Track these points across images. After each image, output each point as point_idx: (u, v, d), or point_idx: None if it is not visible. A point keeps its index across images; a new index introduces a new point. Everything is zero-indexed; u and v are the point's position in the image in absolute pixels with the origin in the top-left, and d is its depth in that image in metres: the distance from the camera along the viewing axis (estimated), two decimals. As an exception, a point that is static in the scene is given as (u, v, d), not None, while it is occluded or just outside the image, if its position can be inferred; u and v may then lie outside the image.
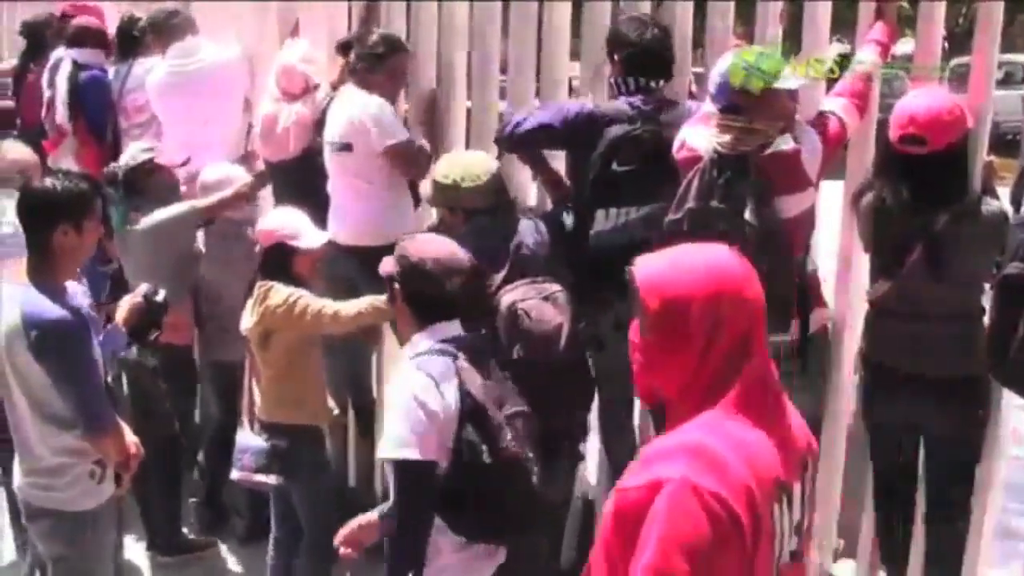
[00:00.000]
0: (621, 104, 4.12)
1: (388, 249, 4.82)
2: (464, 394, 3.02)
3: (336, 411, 4.94)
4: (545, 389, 3.62)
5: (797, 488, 2.09)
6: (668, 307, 2.01)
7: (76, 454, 3.54)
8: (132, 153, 5.07)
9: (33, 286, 3.44)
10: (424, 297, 3.20)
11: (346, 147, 4.85)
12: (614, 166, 4.02)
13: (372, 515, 3.28)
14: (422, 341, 3.15)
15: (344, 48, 5.13)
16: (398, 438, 2.95)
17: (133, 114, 5.94)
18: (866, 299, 3.88)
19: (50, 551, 3.68)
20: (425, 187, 4.35)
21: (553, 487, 4.07)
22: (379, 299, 4.13)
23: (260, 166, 5.48)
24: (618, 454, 4.53)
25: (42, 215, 3.49)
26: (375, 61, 4.89)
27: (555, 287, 3.80)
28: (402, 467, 2.97)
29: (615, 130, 4.04)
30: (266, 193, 5.50)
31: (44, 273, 3.48)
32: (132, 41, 6.22)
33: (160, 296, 3.93)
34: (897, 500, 3.95)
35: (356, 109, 4.84)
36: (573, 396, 3.91)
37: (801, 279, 3.78)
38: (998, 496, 3.96)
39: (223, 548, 5.36)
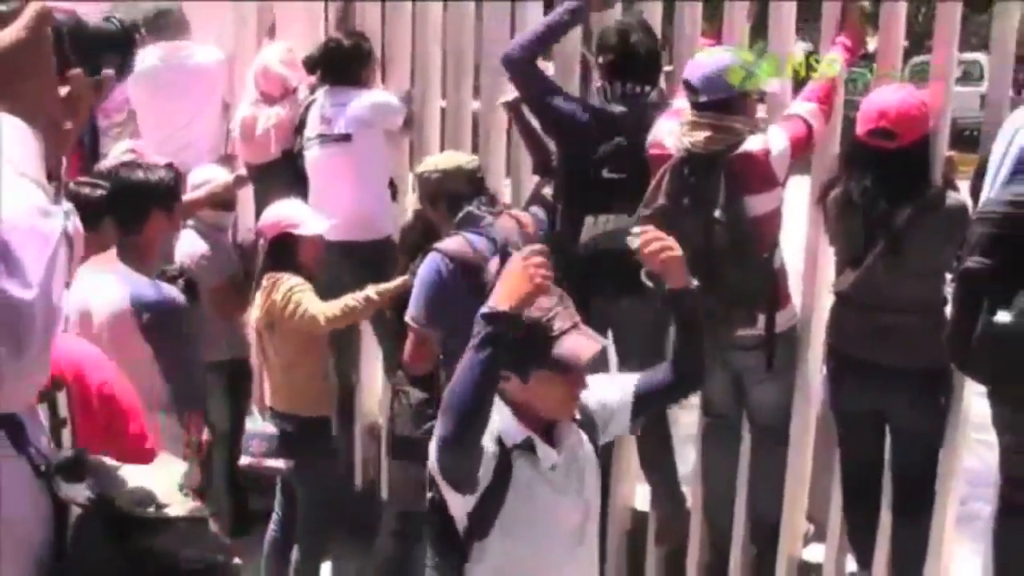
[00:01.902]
0: (612, 111, 4.14)
1: (376, 243, 4.96)
2: None
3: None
4: None
5: None
6: None
7: (176, 439, 3.63)
8: (115, 153, 5.12)
9: (133, 271, 3.56)
10: None
11: (344, 137, 4.94)
12: (605, 173, 4.06)
13: None
14: None
15: (313, 65, 5.20)
16: None
17: (112, 113, 5.96)
18: (832, 291, 3.98)
19: None
20: (409, 200, 4.42)
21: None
22: (353, 300, 4.24)
23: (240, 168, 5.53)
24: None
25: (137, 204, 3.64)
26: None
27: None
28: None
29: (605, 139, 4.08)
30: (244, 198, 5.56)
31: (139, 259, 3.61)
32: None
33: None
34: (864, 487, 4.03)
35: (356, 101, 4.95)
36: None
37: (770, 275, 3.86)
38: (960, 481, 4.08)
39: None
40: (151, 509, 1.56)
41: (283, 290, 4.26)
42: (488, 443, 2.57)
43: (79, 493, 1.51)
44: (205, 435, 3.87)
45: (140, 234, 3.64)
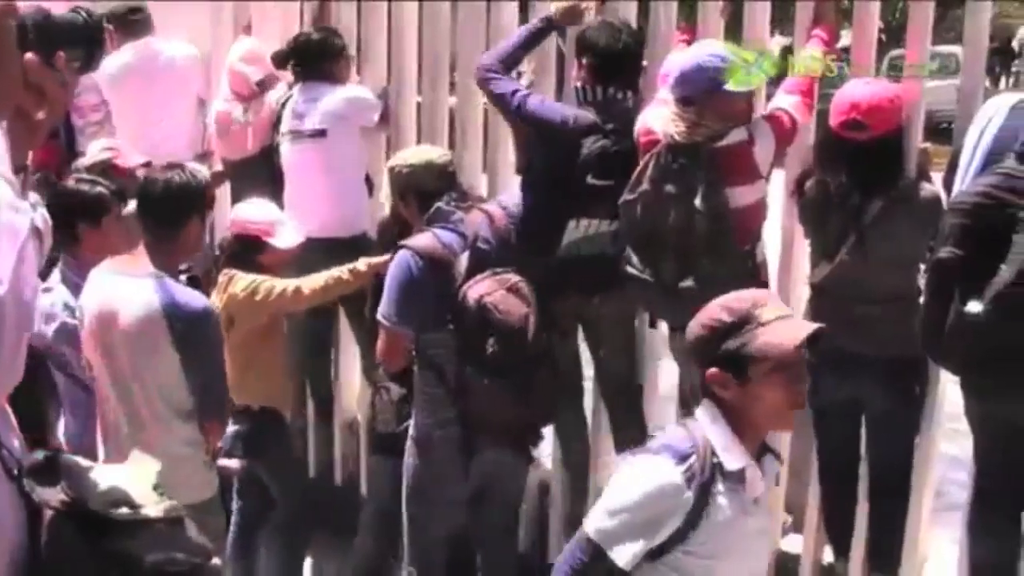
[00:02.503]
0: (592, 117, 4.07)
1: (353, 239, 4.98)
2: None
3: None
4: (519, 380, 3.74)
5: None
6: None
7: (196, 445, 3.65)
8: (93, 152, 5.13)
9: (167, 277, 3.53)
10: None
11: (319, 133, 4.96)
12: (589, 179, 4.01)
13: None
14: None
15: (282, 60, 5.23)
16: None
17: (88, 113, 5.96)
18: (807, 282, 4.01)
19: None
20: (385, 195, 4.45)
21: (517, 476, 4.20)
22: (338, 271, 4.26)
23: (217, 165, 5.54)
24: (570, 439, 4.63)
25: (178, 207, 3.58)
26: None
27: (516, 277, 3.84)
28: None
29: (590, 143, 4.04)
30: (221, 195, 5.56)
31: (170, 264, 3.58)
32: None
33: None
34: (841, 476, 4.07)
35: (330, 96, 4.97)
36: (543, 384, 3.96)
37: (750, 268, 3.85)
38: (936, 469, 4.11)
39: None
40: (125, 510, 1.56)
41: (243, 284, 4.27)
42: (686, 482, 2.48)
43: (52, 496, 1.51)
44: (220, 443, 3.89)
45: (175, 239, 3.60)
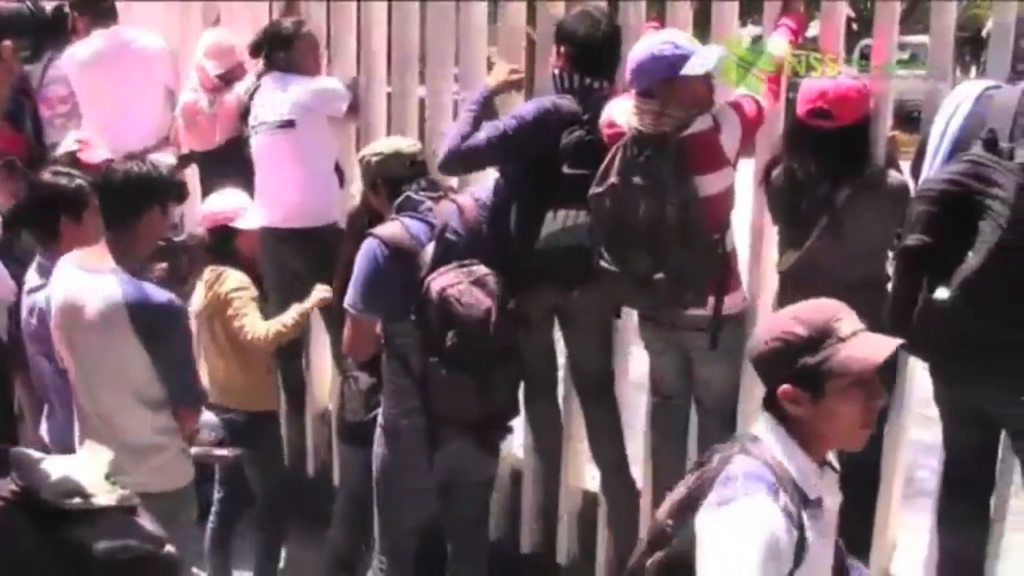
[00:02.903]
0: (572, 105, 4.03)
1: (323, 230, 4.99)
2: None
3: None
4: (478, 374, 3.73)
5: None
6: None
7: (171, 433, 3.63)
8: (67, 142, 5.10)
9: (125, 271, 3.49)
10: None
11: (288, 124, 4.95)
12: (565, 169, 3.95)
13: None
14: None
15: (256, 49, 5.21)
16: None
17: (56, 104, 5.94)
18: (776, 270, 4.02)
19: None
20: (356, 186, 4.45)
21: (482, 469, 4.19)
22: (286, 319, 4.41)
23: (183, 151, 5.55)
24: (543, 428, 4.64)
25: (137, 197, 3.53)
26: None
27: (483, 270, 3.83)
28: None
29: (568, 133, 3.99)
30: (192, 186, 5.55)
31: (130, 257, 3.54)
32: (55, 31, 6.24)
33: None
34: (811, 464, 4.09)
35: (297, 87, 4.97)
36: (506, 379, 3.97)
37: (719, 257, 3.85)
38: (907, 455, 4.13)
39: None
40: (77, 500, 1.55)
41: (227, 288, 4.29)
42: (787, 517, 2.30)
43: (2, 487, 1.51)
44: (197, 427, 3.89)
45: (134, 230, 3.54)
